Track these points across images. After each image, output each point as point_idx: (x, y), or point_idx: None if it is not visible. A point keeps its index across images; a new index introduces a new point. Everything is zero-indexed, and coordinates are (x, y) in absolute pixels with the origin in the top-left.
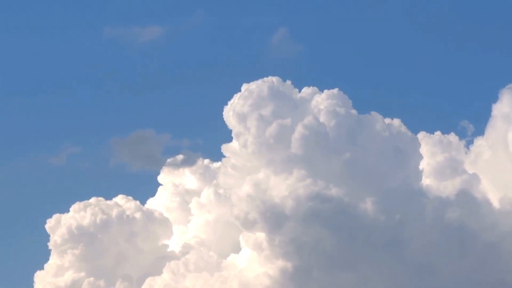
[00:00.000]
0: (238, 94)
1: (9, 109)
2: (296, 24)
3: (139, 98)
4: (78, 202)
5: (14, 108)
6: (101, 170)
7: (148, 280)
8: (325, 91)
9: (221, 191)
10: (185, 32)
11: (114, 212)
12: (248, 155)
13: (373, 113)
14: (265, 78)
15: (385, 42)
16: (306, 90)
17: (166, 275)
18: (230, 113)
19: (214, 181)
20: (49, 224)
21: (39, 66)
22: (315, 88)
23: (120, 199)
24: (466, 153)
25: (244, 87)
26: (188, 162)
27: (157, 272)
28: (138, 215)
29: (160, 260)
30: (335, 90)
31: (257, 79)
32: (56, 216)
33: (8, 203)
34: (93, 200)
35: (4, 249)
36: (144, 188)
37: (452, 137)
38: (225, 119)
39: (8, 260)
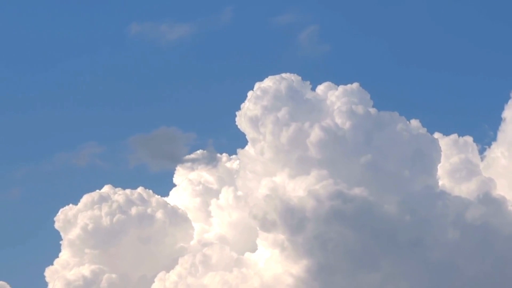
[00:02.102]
0: (250, 94)
1: (30, 109)
2: (326, 22)
3: (165, 96)
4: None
5: (36, 108)
6: (122, 169)
7: (161, 275)
8: (343, 86)
9: (239, 193)
10: (214, 29)
11: (133, 211)
12: (265, 160)
13: (394, 113)
14: (283, 75)
15: (405, 44)
16: (321, 87)
17: (180, 269)
18: (242, 118)
19: (233, 183)
20: (58, 223)
21: (61, 63)
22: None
23: (141, 190)
24: (481, 156)
25: (257, 86)
26: (208, 161)
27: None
28: (159, 213)
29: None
30: (355, 85)
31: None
32: (62, 210)
33: (31, 203)
34: (107, 188)
35: (25, 246)
36: (165, 185)
37: (467, 138)
38: (237, 124)
39: (24, 256)
